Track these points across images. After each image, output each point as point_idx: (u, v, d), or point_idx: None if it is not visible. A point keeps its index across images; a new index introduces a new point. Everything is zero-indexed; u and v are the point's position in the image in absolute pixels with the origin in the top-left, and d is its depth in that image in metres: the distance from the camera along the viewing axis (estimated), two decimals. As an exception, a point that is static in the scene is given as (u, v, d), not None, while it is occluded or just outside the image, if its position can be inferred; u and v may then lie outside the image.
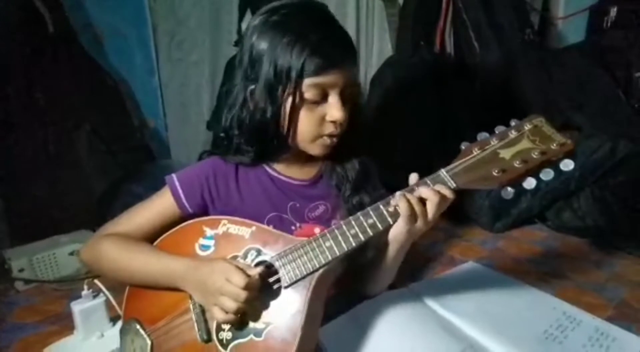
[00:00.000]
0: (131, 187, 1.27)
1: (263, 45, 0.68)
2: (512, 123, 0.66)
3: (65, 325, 0.90)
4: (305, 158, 0.79)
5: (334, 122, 0.71)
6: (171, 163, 1.64)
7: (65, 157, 1.35)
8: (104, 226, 0.76)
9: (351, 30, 1.73)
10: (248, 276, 0.62)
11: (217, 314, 0.62)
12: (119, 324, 0.80)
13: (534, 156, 0.62)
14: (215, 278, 0.62)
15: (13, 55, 1.37)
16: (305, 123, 0.71)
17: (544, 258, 1.15)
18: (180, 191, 0.75)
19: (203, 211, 0.76)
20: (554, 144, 0.62)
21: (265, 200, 0.77)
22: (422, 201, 0.65)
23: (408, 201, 0.64)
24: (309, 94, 0.69)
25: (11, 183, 1.33)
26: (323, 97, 0.70)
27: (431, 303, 0.84)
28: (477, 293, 0.90)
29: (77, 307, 0.80)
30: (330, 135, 0.73)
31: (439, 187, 0.64)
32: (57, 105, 1.38)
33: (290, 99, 0.69)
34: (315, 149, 0.75)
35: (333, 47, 0.68)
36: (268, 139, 0.73)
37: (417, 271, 1.07)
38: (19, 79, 1.36)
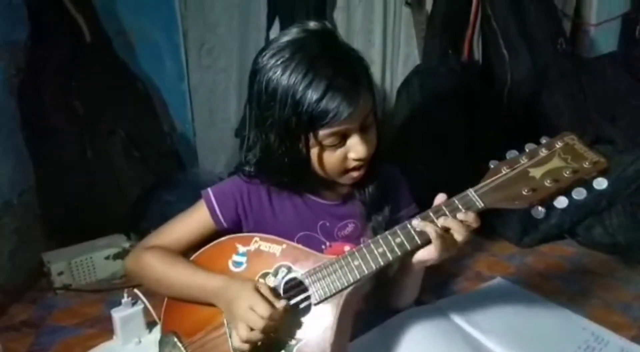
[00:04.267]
0: (163, 195, 1.31)
1: (271, 91, 0.66)
2: (543, 141, 0.65)
3: (103, 328, 0.94)
4: (331, 180, 0.79)
5: (358, 159, 0.71)
6: (201, 172, 1.68)
7: (100, 162, 1.39)
8: (146, 238, 0.80)
9: (377, 37, 1.73)
10: (273, 306, 0.62)
11: (233, 339, 0.64)
12: (155, 330, 0.84)
13: (566, 175, 0.61)
14: (240, 303, 0.63)
15: (52, 62, 1.42)
16: (330, 164, 0.71)
17: (573, 276, 1.14)
18: (215, 206, 0.77)
19: (237, 225, 0.78)
20: (587, 163, 0.61)
21: (296, 219, 0.79)
22: (449, 231, 0.64)
23: (439, 234, 0.63)
24: (327, 142, 0.68)
25: (48, 187, 1.38)
26: (342, 139, 0.69)
27: (459, 320, 0.85)
28: (505, 311, 0.89)
29: (118, 314, 0.84)
30: (359, 168, 0.73)
31: (462, 216, 0.63)
32: (93, 112, 1.42)
33: (306, 148, 0.69)
34: (345, 180, 0.76)
35: (343, 94, 0.64)
36: (290, 177, 0.75)
37: (443, 286, 1.07)
38: (58, 85, 1.42)
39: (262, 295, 0.64)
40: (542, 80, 1.51)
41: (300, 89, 0.64)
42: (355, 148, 0.69)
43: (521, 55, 1.54)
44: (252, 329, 0.62)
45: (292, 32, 0.68)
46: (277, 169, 0.73)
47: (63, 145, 1.38)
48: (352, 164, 0.72)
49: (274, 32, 1.64)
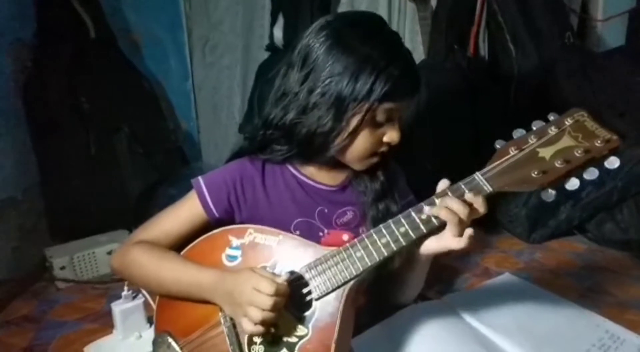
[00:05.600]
0: (167, 190, 1.31)
1: (340, 61, 0.67)
2: (551, 118, 0.62)
3: (104, 323, 0.93)
4: (334, 164, 0.78)
5: (389, 142, 0.72)
6: (205, 166, 1.68)
7: (104, 159, 1.39)
8: (133, 233, 0.77)
9: (382, 34, 1.71)
10: (275, 282, 0.61)
11: (245, 326, 0.62)
12: (156, 325, 0.82)
13: (577, 155, 0.57)
14: (242, 288, 0.61)
15: (58, 59, 1.43)
16: (364, 142, 0.71)
17: (584, 272, 1.11)
18: (207, 195, 0.74)
19: (230, 215, 0.75)
20: (599, 141, 0.58)
21: (292, 205, 0.76)
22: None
23: (451, 211, 0.60)
24: (379, 117, 0.69)
25: (53, 183, 1.39)
26: (389, 120, 0.71)
27: (467, 316, 0.82)
28: (515, 307, 0.87)
29: (118, 308, 0.82)
30: (380, 155, 0.74)
31: (469, 197, 0.61)
32: (98, 108, 1.42)
33: (357, 118, 0.68)
34: (360, 166, 0.75)
35: (413, 78, 0.70)
36: (312, 148, 0.72)
37: (450, 282, 1.05)
38: (63, 82, 1.42)
39: (261, 274, 0.62)
40: (550, 75, 1.49)
41: (382, 64, 0.66)
42: (393, 133, 0.71)
43: (528, 50, 1.52)
44: (262, 310, 0.60)
45: (350, 14, 0.77)
46: (304, 137, 0.71)
47: (67, 141, 1.38)
48: (382, 148, 0.73)
49: (278, 29, 1.64)
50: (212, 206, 0.74)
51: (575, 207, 1.26)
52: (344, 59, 0.67)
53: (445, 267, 1.12)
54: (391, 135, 0.71)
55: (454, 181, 0.65)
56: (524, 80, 1.50)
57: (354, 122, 0.68)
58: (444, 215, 0.61)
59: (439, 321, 0.78)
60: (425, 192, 0.77)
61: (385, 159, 0.77)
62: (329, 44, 0.68)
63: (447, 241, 0.63)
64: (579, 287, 1.04)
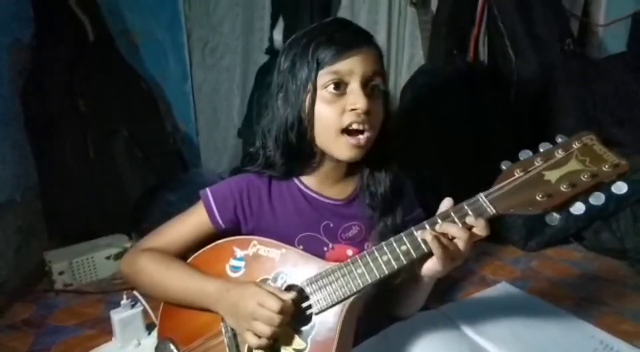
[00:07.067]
0: (166, 196, 1.31)
1: (287, 58, 0.72)
2: (559, 140, 0.61)
3: (103, 329, 0.94)
4: (340, 175, 0.78)
5: (355, 110, 0.68)
6: (204, 172, 1.68)
7: (103, 162, 1.39)
8: (142, 239, 0.78)
9: (382, 37, 1.71)
10: (281, 299, 0.61)
11: (250, 339, 0.62)
12: (155, 332, 0.82)
13: (584, 179, 0.56)
14: (247, 302, 0.62)
15: (56, 61, 1.42)
16: (325, 117, 0.70)
17: (581, 281, 1.12)
18: (213, 206, 0.75)
19: (236, 227, 0.76)
20: (606, 166, 0.57)
21: (298, 218, 0.76)
22: (452, 238, 0.62)
23: (440, 241, 0.60)
24: (326, 84, 0.68)
25: (51, 186, 1.38)
26: (343, 89, 0.69)
27: (463, 327, 0.83)
28: (511, 317, 0.88)
29: (117, 316, 0.83)
30: (355, 131, 0.69)
31: (471, 220, 0.60)
32: (96, 111, 1.42)
33: (309, 96, 0.70)
34: (340, 151, 0.71)
35: (345, 35, 0.70)
36: (294, 146, 0.73)
37: (447, 291, 1.06)
38: (61, 84, 1.42)
39: (268, 290, 0.63)
40: (549, 81, 1.49)
41: (312, 39, 0.70)
42: (353, 97, 0.68)
43: (528, 56, 1.53)
44: (267, 326, 0.61)
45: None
46: (279, 136, 0.73)
47: (66, 144, 1.38)
48: (350, 118, 0.69)
49: (278, 32, 1.63)
50: (218, 218, 0.75)
51: (572, 216, 1.26)
52: (290, 55, 0.71)
53: (443, 276, 1.12)
54: (352, 101, 0.68)
55: (455, 193, 0.65)
56: (524, 86, 1.50)
57: (307, 101, 0.70)
58: (430, 242, 0.61)
59: (436, 332, 0.78)
60: (424, 198, 0.76)
61: (382, 159, 0.76)
62: (285, 52, 0.73)
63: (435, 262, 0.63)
64: (574, 296, 1.04)
